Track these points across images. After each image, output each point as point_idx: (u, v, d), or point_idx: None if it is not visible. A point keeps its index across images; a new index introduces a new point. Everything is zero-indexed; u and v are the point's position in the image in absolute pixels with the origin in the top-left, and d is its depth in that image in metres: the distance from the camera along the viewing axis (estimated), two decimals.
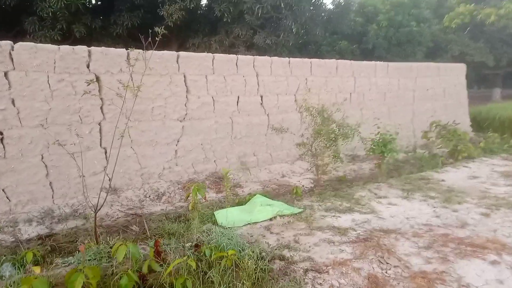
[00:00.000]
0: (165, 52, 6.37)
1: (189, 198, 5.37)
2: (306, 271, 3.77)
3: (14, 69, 5.05)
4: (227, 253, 3.68)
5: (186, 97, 6.65)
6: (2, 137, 5.03)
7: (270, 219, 5.25)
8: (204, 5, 13.15)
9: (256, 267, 3.66)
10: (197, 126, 6.77)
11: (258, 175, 7.25)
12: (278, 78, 7.94)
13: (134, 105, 6.02)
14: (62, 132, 5.40)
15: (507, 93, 30.02)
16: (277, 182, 7.14)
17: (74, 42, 9.70)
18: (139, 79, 6.06)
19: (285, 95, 8.06)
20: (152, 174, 6.19)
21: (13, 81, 5.05)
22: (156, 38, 4.49)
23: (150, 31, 4.60)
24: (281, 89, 7.99)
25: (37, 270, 3.54)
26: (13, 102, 5.07)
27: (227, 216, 5.16)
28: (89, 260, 3.93)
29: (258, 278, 3.56)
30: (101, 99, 5.72)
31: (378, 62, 10.06)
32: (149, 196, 5.87)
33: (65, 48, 5.47)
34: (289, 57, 8.38)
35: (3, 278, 3.59)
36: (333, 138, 6.39)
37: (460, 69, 12.41)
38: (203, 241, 4.30)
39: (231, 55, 7.28)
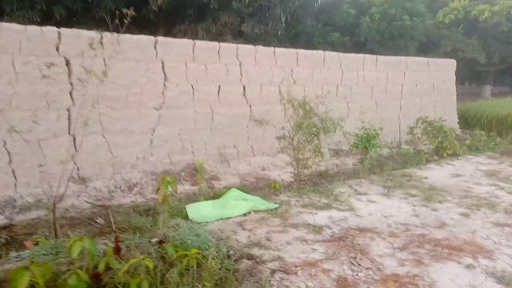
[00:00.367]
0: (142, 36, 6.08)
1: (160, 191, 5.15)
2: (273, 271, 3.59)
3: None
4: (190, 251, 3.48)
5: (164, 85, 6.37)
6: None
7: (244, 215, 5.06)
8: None
9: (221, 267, 3.47)
10: (175, 115, 6.51)
11: (237, 167, 7.04)
12: (263, 68, 7.69)
13: (108, 92, 5.79)
14: (27, 118, 5.10)
15: (498, 91, 30.14)
16: (257, 175, 6.94)
17: (55, 24, 9.29)
18: (113, 63, 5.81)
19: (269, 85, 7.82)
20: (125, 164, 5.94)
21: None
22: (125, 21, 4.21)
23: (118, 13, 4.31)
24: (265, 80, 7.75)
25: None
26: None
27: (199, 211, 4.96)
28: (44, 255, 3.69)
29: (221, 279, 3.37)
30: (71, 83, 5.43)
31: (366, 55, 9.84)
32: (120, 187, 5.63)
33: (33, 28, 5.16)
34: (278, 48, 8.13)
35: None
36: (315, 132, 6.19)
37: (450, 65, 12.25)
38: (169, 237, 4.08)
39: (213, 42, 7.00)
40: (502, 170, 7.75)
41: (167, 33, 12.42)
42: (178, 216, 4.88)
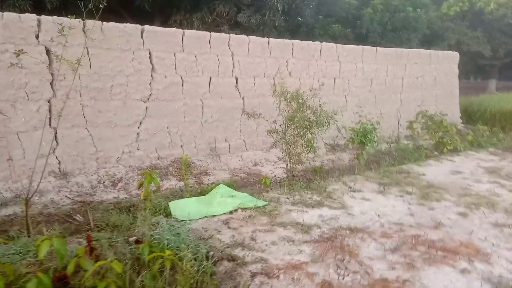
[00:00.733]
0: (128, 25, 5.83)
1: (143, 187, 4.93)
2: (253, 275, 3.37)
3: None
4: (165, 252, 3.26)
5: (151, 76, 6.13)
6: None
7: (231, 212, 4.84)
8: None
9: (198, 270, 3.26)
10: (163, 107, 6.27)
11: (228, 162, 6.81)
12: (256, 60, 7.42)
13: (91, 83, 5.56)
14: (5, 109, 4.89)
15: (503, 85, 29.64)
16: (248, 170, 6.70)
17: (47, 14, 9.04)
18: (96, 53, 5.58)
19: (263, 77, 7.55)
20: (109, 158, 5.72)
21: None
22: (100, 6, 3.97)
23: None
24: (258, 71, 7.48)
25: None
26: None
27: (183, 208, 4.74)
28: (13, 254, 3.49)
29: (197, 283, 3.15)
30: (52, 74, 5.19)
31: (365, 46, 9.53)
32: (104, 182, 5.41)
33: (10, 15, 4.92)
34: (273, 38, 7.85)
35: None
36: (308, 126, 5.94)
37: (452, 57, 11.89)
38: (147, 237, 3.86)
39: (204, 32, 6.73)
40: (504, 167, 7.47)
41: (163, 24, 12.14)
42: (161, 213, 4.66)
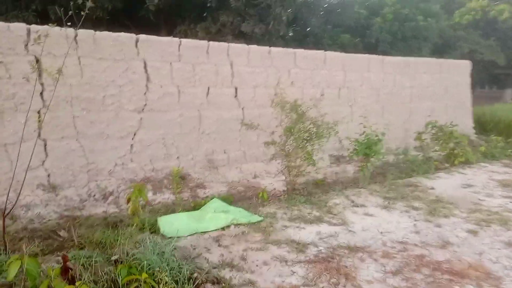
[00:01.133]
0: (122, 34, 5.69)
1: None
2: None
3: None
4: (141, 276, 3.01)
5: (146, 86, 5.96)
6: None
7: (223, 228, 4.58)
8: None
9: None
10: (158, 118, 6.08)
11: (226, 174, 6.56)
12: (257, 69, 7.20)
13: (83, 93, 5.42)
14: None
15: None
16: (247, 183, 6.45)
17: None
18: (89, 63, 5.45)
19: (263, 88, 7.32)
20: (101, 170, 5.53)
21: None
22: (82, 13, 3.81)
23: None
24: (259, 81, 7.25)
25: None
26: None
27: (173, 224, 4.50)
28: None
29: None
30: (42, 84, 5.06)
31: (372, 55, 9.25)
32: (94, 195, 5.22)
33: None
34: (274, 47, 7.65)
35: None
36: (307, 138, 5.67)
37: (464, 66, 11.50)
38: (128, 256, 3.62)
39: (201, 41, 6.56)
40: None
41: (169, 34, 12.07)
42: (150, 229, 4.43)
